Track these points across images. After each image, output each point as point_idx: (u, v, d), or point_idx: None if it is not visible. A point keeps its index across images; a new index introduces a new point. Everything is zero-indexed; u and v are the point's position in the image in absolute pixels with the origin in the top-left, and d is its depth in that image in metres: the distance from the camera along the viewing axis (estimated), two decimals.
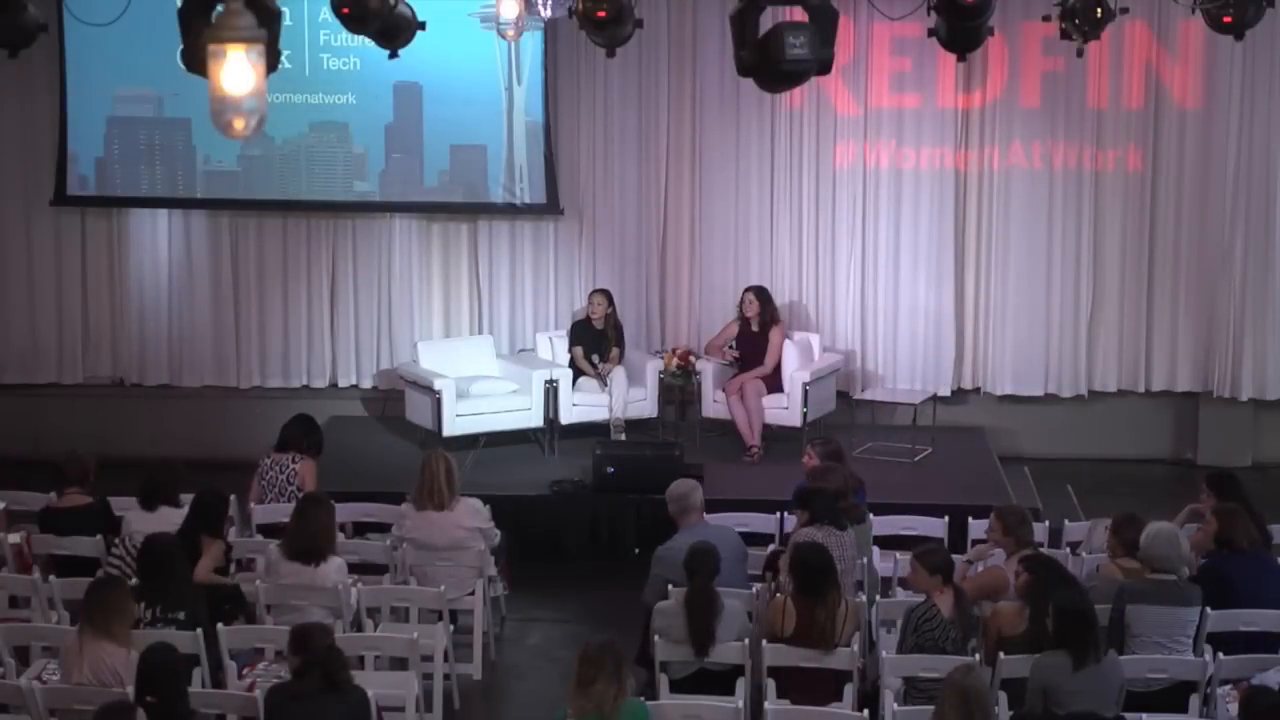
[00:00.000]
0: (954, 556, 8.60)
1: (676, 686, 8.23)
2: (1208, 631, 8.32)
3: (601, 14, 9.24)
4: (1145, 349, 13.66)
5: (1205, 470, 11.01)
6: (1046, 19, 10.07)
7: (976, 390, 13.83)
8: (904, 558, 9.09)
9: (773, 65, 8.03)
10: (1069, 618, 7.51)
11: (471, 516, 9.61)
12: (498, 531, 9.96)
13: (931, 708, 7.38)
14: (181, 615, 8.12)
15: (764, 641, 8.18)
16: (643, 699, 7.43)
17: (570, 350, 13.14)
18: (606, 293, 13.19)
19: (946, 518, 10.08)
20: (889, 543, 9.70)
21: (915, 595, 8.40)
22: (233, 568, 9.18)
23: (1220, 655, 8.08)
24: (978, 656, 7.87)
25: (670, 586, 8.72)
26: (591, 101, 13.65)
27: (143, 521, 9.24)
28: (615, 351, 13.06)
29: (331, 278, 13.90)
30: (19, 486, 10.49)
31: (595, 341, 13.09)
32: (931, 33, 9.46)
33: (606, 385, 12.88)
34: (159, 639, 7.51)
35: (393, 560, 9.62)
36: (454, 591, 9.32)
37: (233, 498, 9.95)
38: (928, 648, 7.87)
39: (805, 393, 12.67)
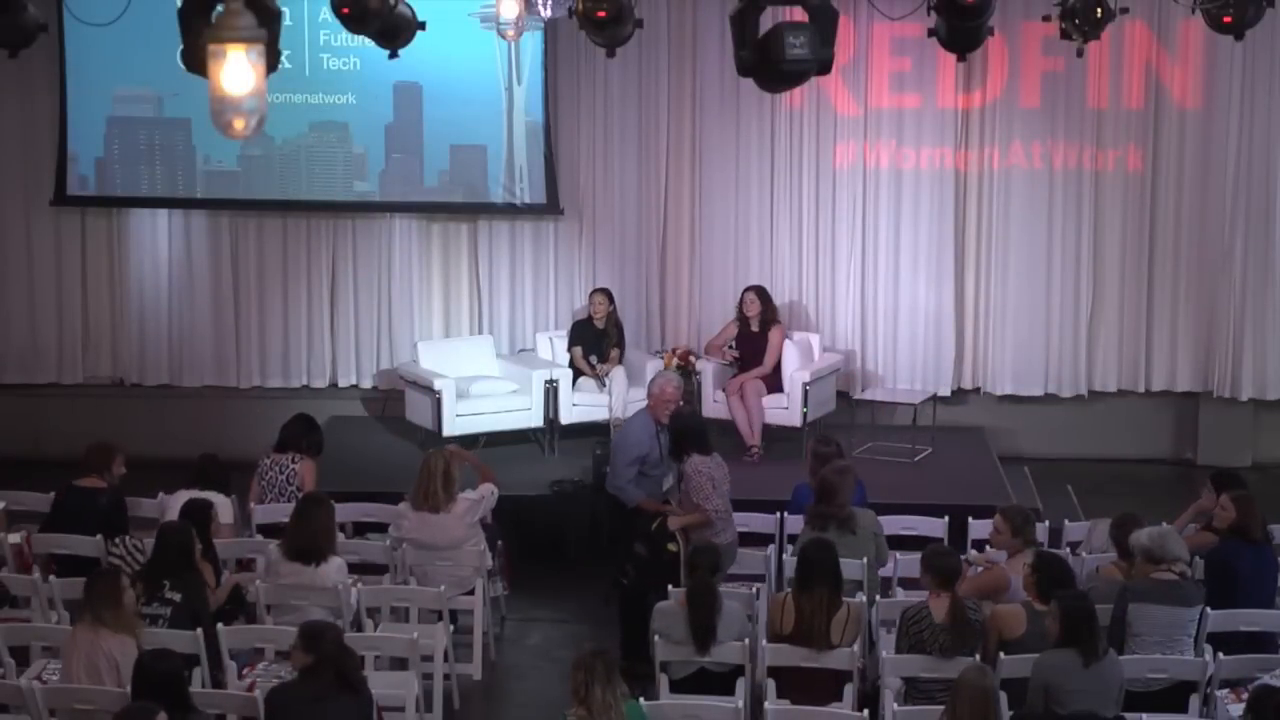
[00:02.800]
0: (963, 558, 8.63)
1: (676, 686, 8.24)
2: (1208, 631, 8.33)
3: (601, 14, 9.24)
4: (1145, 349, 13.66)
5: (1205, 470, 11.03)
6: (1046, 19, 10.07)
7: (976, 390, 13.83)
8: (904, 558, 9.10)
9: (773, 65, 8.04)
10: (1078, 616, 7.50)
11: (469, 512, 9.62)
12: (493, 488, 9.98)
13: (931, 708, 7.40)
14: (178, 597, 8.16)
15: (763, 641, 8.19)
16: (640, 699, 7.43)
17: (569, 350, 13.14)
18: (607, 292, 13.19)
19: (946, 518, 10.09)
20: (889, 543, 9.69)
21: (917, 596, 8.39)
22: (222, 576, 9.15)
23: (1220, 655, 8.09)
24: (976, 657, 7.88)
25: (670, 587, 8.75)
26: (591, 101, 13.65)
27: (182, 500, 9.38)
28: (615, 352, 13.06)
29: (331, 278, 13.90)
30: (19, 486, 10.50)
31: (595, 341, 13.08)
32: (931, 33, 9.46)
33: (605, 386, 12.87)
34: (155, 629, 7.57)
35: (393, 560, 9.62)
36: (453, 589, 9.32)
37: (232, 498, 10.00)
38: (918, 648, 7.89)
39: (805, 393, 12.67)
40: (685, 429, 9.90)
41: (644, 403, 12.94)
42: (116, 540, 9.17)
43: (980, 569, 8.91)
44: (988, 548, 9.39)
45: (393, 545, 9.62)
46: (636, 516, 9.82)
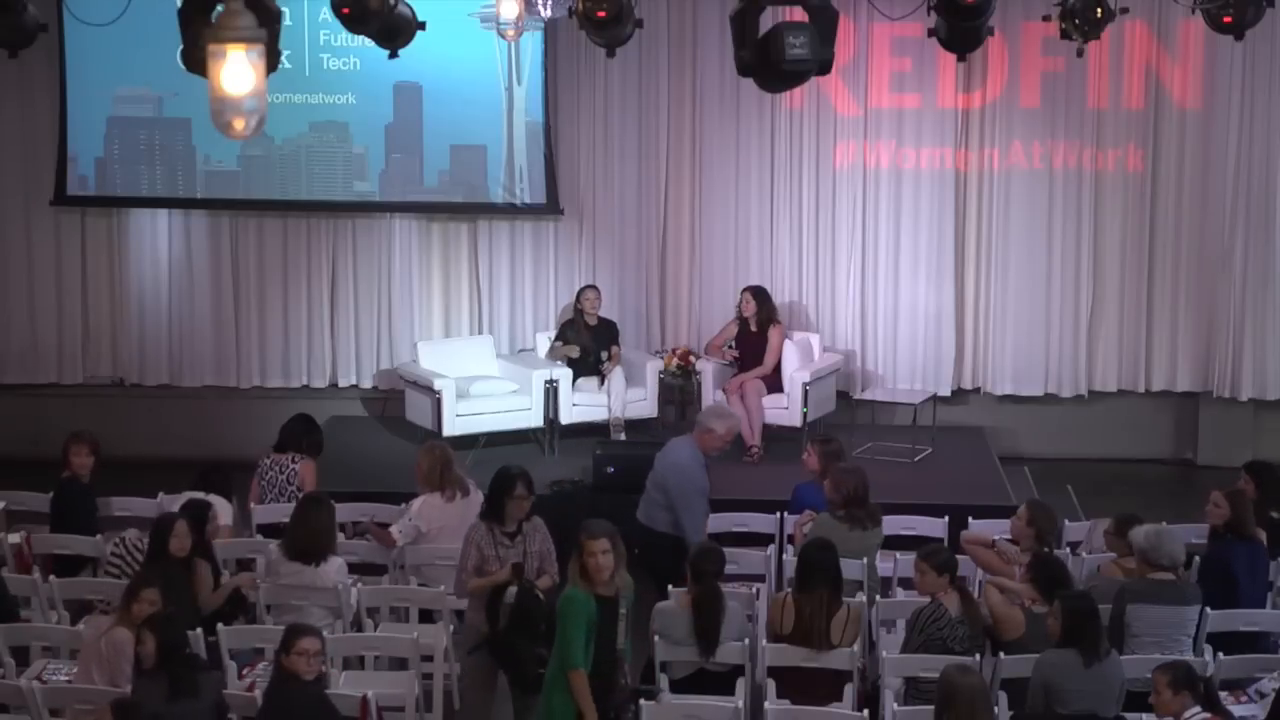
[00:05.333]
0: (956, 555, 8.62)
1: (676, 686, 8.23)
2: (1208, 631, 8.33)
3: (601, 14, 9.25)
4: (1145, 349, 13.66)
5: (1205, 470, 11.02)
6: (1046, 19, 10.08)
7: (976, 390, 13.83)
8: (904, 558, 9.10)
9: (773, 65, 8.05)
10: (1081, 616, 7.50)
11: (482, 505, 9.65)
12: None
13: (931, 708, 7.39)
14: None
15: (763, 641, 8.19)
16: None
17: (553, 343, 13.14)
18: (598, 288, 13.21)
19: (946, 518, 10.08)
20: (889, 543, 9.68)
21: (920, 596, 8.38)
22: (223, 576, 9.14)
23: (1220, 655, 8.08)
24: (977, 656, 7.87)
25: (671, 587, 8.75)
26: (591, 101, 13.65)
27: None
28: (616, 349, 13.07)
29: (331, 278, 13.90)
30: (19, 486, 10.50)
31: (585, 340, 13.07)
32: (931, 33, 9.47)
33: (604, 384, 12.87)
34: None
35: (392, 560, 9.62)
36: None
37: (233, 500, 10.00)
38: (934, 648, 7.86)
39: (805, 393, 12.67)
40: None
41: (643, 402, 13.06)
42: (117, 540, 9.17)
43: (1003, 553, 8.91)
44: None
45: (410, 534, 9.56)
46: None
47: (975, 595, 8.48)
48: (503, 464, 8.67)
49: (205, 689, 7.33)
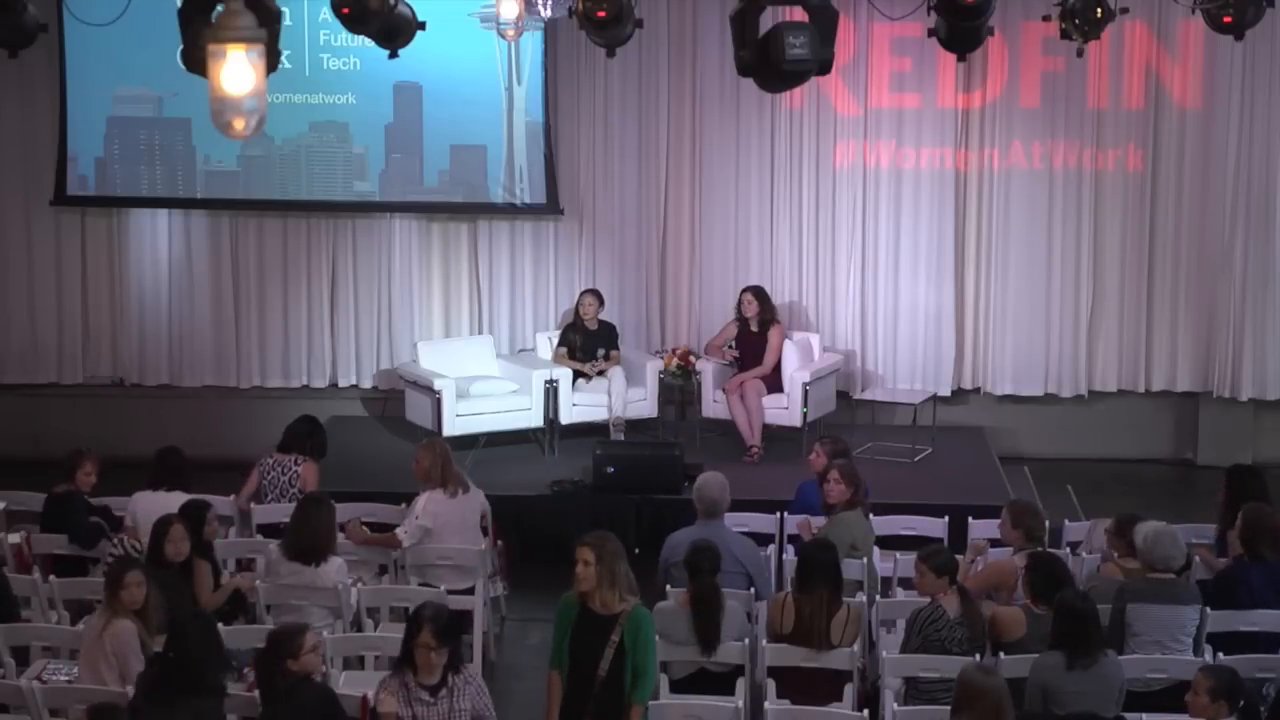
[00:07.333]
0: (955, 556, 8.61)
1: (676, 686, 8.24)
2: (1208, 631, 8.32)
3: (601, 14, 9.25)
4: (1145, 349, 13.66)
5: (1205, 470, 11.00)
6: (1046, 19, 10.08)
7: (976, 390, 13.84)
8: (904, 558, 9.11)
9: (773, 65, 8.05)
10: (1075, 616, 7.50)
11: (481, 502, 9.79)
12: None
13: (931, 708, 7.39)
14: None
15: (763, 641, 8.19)
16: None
17: (555, 352, 13.11)
18: (598, 293, 13.21)
19: (946, 518, 10.08)
20: (889, 543, 9.70)
21: (920, 596, 8.38)
22: (223, 576, 9.12)
23: (1220, 655, 8.08)
24: (978, 656, 7.86)
25: (669, 587, 8.74)
26: (591, 101, 13.65)
27: (150, 502, 9.32)
28: (615, 353, 13.07)
29: (331, 278, 13.90)
30: (19, 486, 10.49)
31: (585, 342, 13.07)
32: (931, 33, 9.48)
33: (590, 380, 12.87)
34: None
35: (392, 560, 9.62)
36: (457, 584, 9.31)
37: (231, 498, 10.00)
38: (933, 649, 7.86)
39: (805, 393, 12.67)
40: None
41: (643, 402, 13.07)
42: (116, 540, 9.16)
43: (980, 564, 8.90)
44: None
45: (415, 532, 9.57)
46: None
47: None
48: (428, 600, 7.85)
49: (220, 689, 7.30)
